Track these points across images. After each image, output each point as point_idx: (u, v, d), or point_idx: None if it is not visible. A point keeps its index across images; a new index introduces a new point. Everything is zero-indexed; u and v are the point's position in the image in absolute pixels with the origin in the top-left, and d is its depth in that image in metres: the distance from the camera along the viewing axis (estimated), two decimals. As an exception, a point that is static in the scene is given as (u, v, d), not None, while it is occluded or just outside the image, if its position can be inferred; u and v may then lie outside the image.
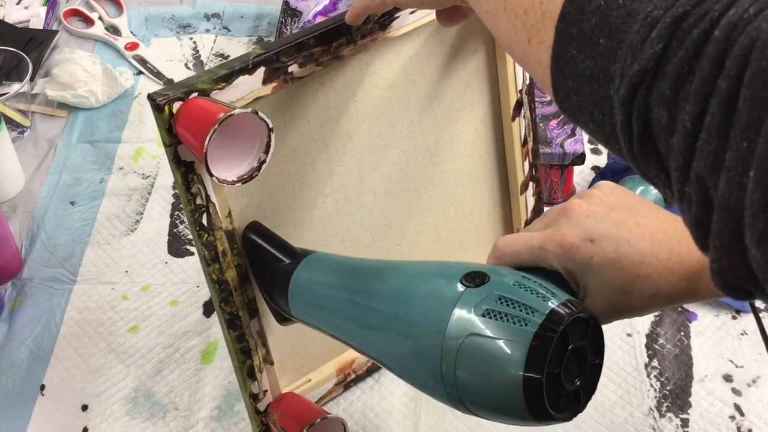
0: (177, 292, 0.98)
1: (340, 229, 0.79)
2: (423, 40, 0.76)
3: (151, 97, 0.62)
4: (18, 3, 1.32)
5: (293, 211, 0.75)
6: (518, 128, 0.86)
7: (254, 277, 0.73)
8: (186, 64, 1.25)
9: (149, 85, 1.22)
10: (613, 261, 0.55)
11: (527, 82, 0.85)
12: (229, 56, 1.26)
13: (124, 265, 1.00)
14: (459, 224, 0.89)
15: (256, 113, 0.61)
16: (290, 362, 0.83)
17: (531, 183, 0.91)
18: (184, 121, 0.62)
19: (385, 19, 0.71)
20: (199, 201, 0.67)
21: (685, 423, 0.85)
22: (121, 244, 1.03)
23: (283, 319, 0.74)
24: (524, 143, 0.88)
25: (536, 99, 0.87)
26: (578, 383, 0.53)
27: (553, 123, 0.99)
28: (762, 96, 0.34)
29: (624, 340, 0.92)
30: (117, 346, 0.93)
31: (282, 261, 0.71)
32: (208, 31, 1.30)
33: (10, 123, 1.13)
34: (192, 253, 1.02)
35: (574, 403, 0.53)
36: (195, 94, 0.63)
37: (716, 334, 0.92)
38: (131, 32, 1.29)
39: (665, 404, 0.86)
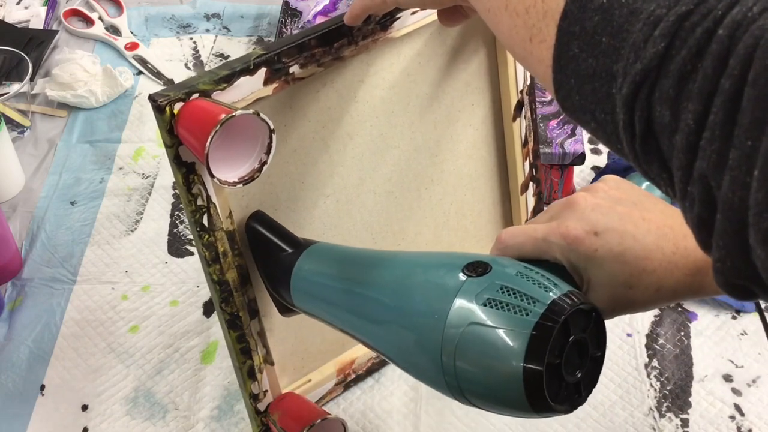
0: (177, 292, 0.98)
1: (340, 230, 0.79)
2: (424, 41, 0.76)
3: (152, 98, 0.62)
4: (18, 3, 1.32)
5: (294, 211, 0.75)
6: (519, 129, 0.86)
7: (257, 266, 0.73)
8: (186, 64, 1.25)
9: (149, 85, 1.21)
10: (618, 254, 0.55)
11: (528, 82, 0.85)
12: (229, 56, 1.26)
13: (124, 265, 1.00)
14: (459, 224, 0.89)
15: (258, 114, 0.61)
16: (290, 362, 0.83)
17: (531, 183, 0.91)
18: (185, 122, 0.61)
19: (387, 19, 0.71)
20: (200, 202, 0.67)
21: (685, 423, 0.85)
22: (121, 244, 1.03)
23: (286, 309, 0.74)
24: (525, 144, 0.88)
25: (536, 99, 0.87)
26: (579, 375, 0.52)
27: (553, 123, 0.99)
28: (766, 95, 0.34)
29: (624, 340, 0.92)
30: (117, 346, 0.93)
31: (285, 250, 0.71)
32: (208, 31, 1.30)
33: (10, 123, 1.13)
34: (192, 253, 1.02)
35: (574, 395, 0.52)
36: (196, 95, 0.63)
37: (716, 334, 0.92)
38: (131, 32, 1.29)
39: (665, 404, 0.86)
